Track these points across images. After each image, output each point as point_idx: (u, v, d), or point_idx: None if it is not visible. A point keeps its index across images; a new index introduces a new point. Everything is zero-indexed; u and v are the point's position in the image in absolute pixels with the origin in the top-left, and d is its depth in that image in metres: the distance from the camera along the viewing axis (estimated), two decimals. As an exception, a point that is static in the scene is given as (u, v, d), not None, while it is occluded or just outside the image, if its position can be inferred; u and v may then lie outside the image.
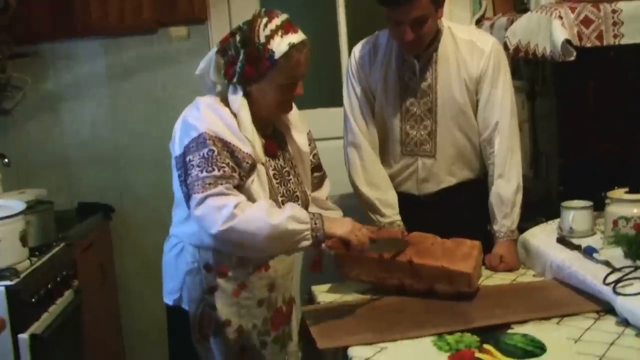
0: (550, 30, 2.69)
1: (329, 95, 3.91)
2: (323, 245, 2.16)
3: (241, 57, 2.16)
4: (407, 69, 2.73)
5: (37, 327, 2.75)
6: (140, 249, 4.06)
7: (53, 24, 3.80)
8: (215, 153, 2.11)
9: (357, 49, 2.84)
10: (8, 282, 2.64)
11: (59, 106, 3.97)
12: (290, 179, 2.35)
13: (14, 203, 2.84)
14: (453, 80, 2.69)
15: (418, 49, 2.66)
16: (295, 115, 2.41)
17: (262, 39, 2.14)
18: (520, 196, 2.67)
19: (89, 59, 3.94)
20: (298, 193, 2.36)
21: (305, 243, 2.10)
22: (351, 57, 2.85)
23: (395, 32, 2.62)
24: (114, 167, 4.03)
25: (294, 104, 2.38)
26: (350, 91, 2.82)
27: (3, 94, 3.88)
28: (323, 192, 2.58)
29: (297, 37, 2.16)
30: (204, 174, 2.08)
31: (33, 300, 2.77)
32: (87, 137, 4.00)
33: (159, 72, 3.98)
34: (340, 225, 2.16)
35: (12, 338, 2.61)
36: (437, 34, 2.68)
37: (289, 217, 2.07)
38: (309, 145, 2.45)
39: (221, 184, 2.07)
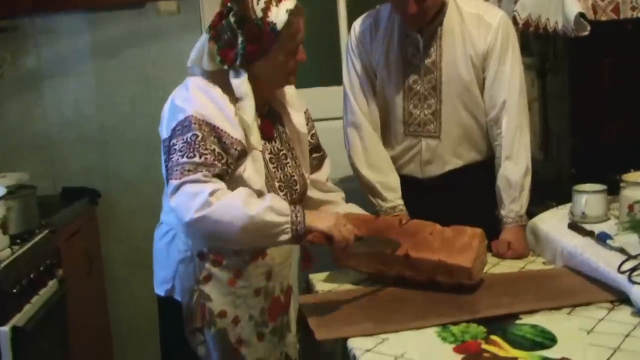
0: (562, 3, 2.69)
1: (328, 73, 3.91)
2: (304, 240, 2.13)
3: (240, 37, 2.14)
4: (410, 44, 2.72)
5: (19, 319, 2.75)
6: (128, 236, 4.07)
7: (33, -4, 3.79)
8: (199, 138, 2.07)
9: (358, 23, 2.83)
10: (-13, 272, 2.65)
11: (40, 84, 3.96)
12: (288, 162, 2.35)
13: (-6, 188, 2.84)
14: (459, 56, 2.69)
15: (421, 22, 2.65)
16: (292, 94, 2.40)
17: (259, 13, 2.13)
18: (529, 179, 2.68)
19: (72, 34, 3.93)
20: (296, 177, 2.36)
21: (285, 237, 2.07)
22: (351, 33, 2.85)
23: (397, 5, 2.61)
24: (100, 149, 4.03)
25: None
26: (350, 68, 2.81)
27: (-20, 72, 3.89)
28: (322, 174, 2.57)
29: (290, 2, 2.16)
30: (184, 159, 2.06)
31: (14, 290, 2.77)
32: (71, 117, 3.99)
33: (148, 48, 3.97)
34: (323, 219, 2.13)
35: (-7, 331, 2.63)
36: (441, 7, 2.67)
37: (267, 207, 2.04)
38: (307, 124, 2.44)
39: (200, 171, 2.04)
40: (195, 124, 2.09)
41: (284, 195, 2.29)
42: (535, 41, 3.15)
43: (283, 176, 2.32)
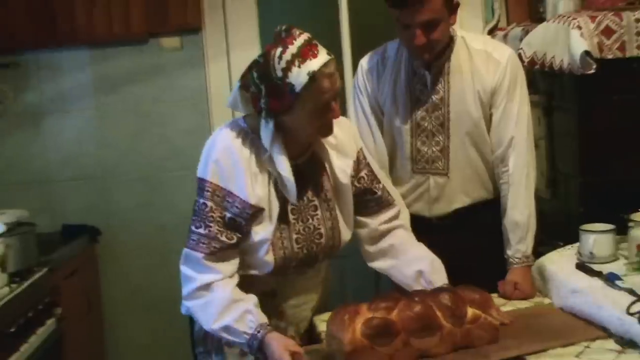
0: (568, 41, 2.71)
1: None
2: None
3: (263, 92, 2.14)
4: (417, 81, 2.74)
5: (16, 359, 2.75)
6: (128, 275, 4.08)
7: (35, 32, 3.83)
8: (208, 208, 2.18)
9: (365, 61, 2.86)
10: (-15, 310, 2.66)
11: (41, 120, 4.00)
12: (316, 215, 2.32)
13: (-7, 225, 2.86)
14: (467, 92, 2.70)
15: (429, 55, 2.65)
16: (342, 136, 2.37)
17: (279, 73, 2.09)
18: (534, 219, 2.67)
19: (74, 70, 3.98)
20: (322, 229, 2.32)
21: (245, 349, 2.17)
22: (358, 70, 2.87)
23: (405, 36, 2.62)
24: (100, 187, 4.05)
25: (345, 119, 2.40)
26: (358, 108, 2.83)
27: (-19, 107, 3.91)
28: (379, 220, 2.47)
29: (316, 62, 2.10)
30: (193, 227, 2.21)
31: (12, 330, 2.78)
32: (72, 154, 4.02)
33: (150, 84, 4.00)
34: (271, 354, 2.09)
35: (-11, 370, 2.63)
36: (449, 42, 2.69)
37: (224, 327, 2.14)
38: (358, 166, 2.41)
39: (203, 243, 2.17)
40: (209, 190, 2.19)
41: (299, 248, 2.28)
42: (542, 79, 3.17)
43: (304, 229, 2.30)
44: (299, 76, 2.09)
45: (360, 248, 2.51)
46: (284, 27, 2.15)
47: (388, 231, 2.48)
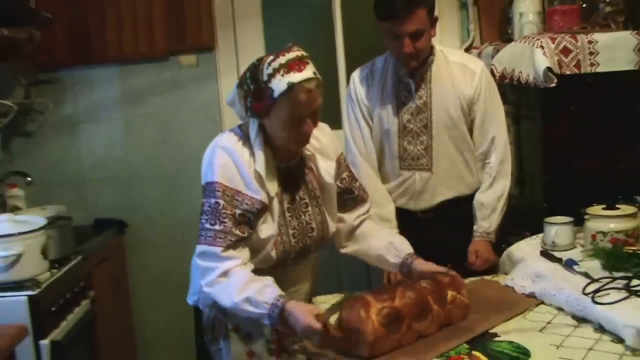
0: (532, 59, 2.73)
1: (328, 118, 3.93)
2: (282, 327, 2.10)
3: (250, 91, 2.13)
4: (403, 88, 2.77)
5: (56, 334, 2.78)
6: (151, 263, 4.09)
7: (72, 52, 3.86)
8: (221, 206, 2.12)
9: (356, 74, 2.88)
10: (30, 292, 2.68)
11: (77, 128, 4.01)
12: (308, 211, 2.30)
13: (36, 219, 2.89)
14: (447, 97, 2.73)
15: (416, 62, 2.68)
16: (325, 141, 2.35)
17: (265, 77, 2.07)
18: (502, 203, 2.72)
19: (105, 85, 3.98)
20: (314, 224, 2.30)
21: (266, 322, 2.09)
22: (350, 82, 2.89)
23: (394, 46, 2.65)
24: (127, 186, 4.06)
25: (326, 126, 2.38)
26: (350, 115, 2.85)
27: (27, 117, 3.94)
28: (352, 215, 2.46)
29: (299, 75, 2.05)
30: (208, 225, 2.13)
31: (53, 309, 2.80)
32: (103, 158, 4.04)
33: (170, 97, 4.01)
34: (297, 320, 2.00)
35: (34, 344, 2.65)
36: (430, 53, 2.73)
37: (246, 299, 2.07)
38: (339, 168, 2.39)
39: (220, 238, 2.11)
40: (219, 190, 2.13)
41: (295, 242, 2.26)
42: (511, 91, 3.18)
43: (298, 224, 2.28)
44: (279, 84, 2.05)
45: (334, 238, 2.45)
46: (289, 44, 2.14)
47: (360, 223, 2.47)
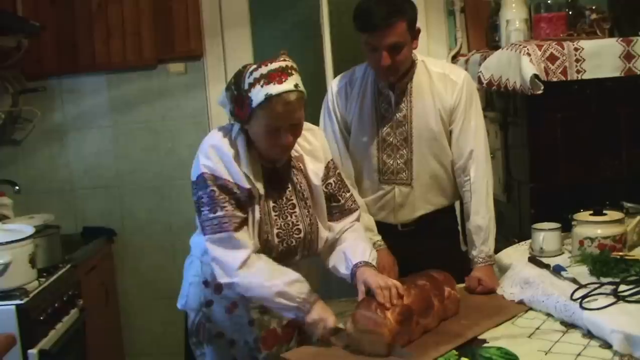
0: (519, 66, 2.73)
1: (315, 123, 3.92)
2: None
3: (234, 97, 2.14)
4: (383, 100, 2.68)
5: (45, 343, 2.76)
6: (140, 271, 4.08)
7: (61, 61, 3.87)
8: (216, 193, 2.12)
9: (335, 83, 2.79)
10: (18, 301, 2.66)
11: (65, 137, 4.00)
12: (295, 212, 2.27)
13: (24, 227, 2.87)
14: (428, 110, 2.64)
15: (394, 75, 2.60)
16: (316, 144, 2.34)
17: (246, 86, 2.08)
18: (494, 222, 2.63)
19: (93, 93, 3.98)
20: (301, 225, 2.27)
21: (291, 315, 2.14)
22: (328, 91, 2.79)
23: (372, 58, 2.56)
24: (115, 194, 4.05)
25: (318, 129, 2.38)
26: (327, 128, 2.75)
27: (15, 126, 3.93)
28: (341, 225, 2.40)
29: (278, 87, 2.05)
30: (210, 215, 2.12)
31: (41, 318, 2.78)
32: (92, 165, 4.03)
33: (158, 105, 4.01)
34: (322, 320, 2.10)
35: (22, 353, 2.63)
36: (411, 65, 2.65)
37: (279, 292, 2.09)
38: (328, 172, 2.36)
39: (226, 223, 2.10)
40: (209, 180, 2.13)
41: (279, 241, 2.23)
42: (498, 98, 3.18)
43: (284, 224, 2.25)
44: (258, 94, 2.05)
45: (322, 252, 2.40)
46: (281, 51, 2.14)
47: (341, 235, 2.40)
